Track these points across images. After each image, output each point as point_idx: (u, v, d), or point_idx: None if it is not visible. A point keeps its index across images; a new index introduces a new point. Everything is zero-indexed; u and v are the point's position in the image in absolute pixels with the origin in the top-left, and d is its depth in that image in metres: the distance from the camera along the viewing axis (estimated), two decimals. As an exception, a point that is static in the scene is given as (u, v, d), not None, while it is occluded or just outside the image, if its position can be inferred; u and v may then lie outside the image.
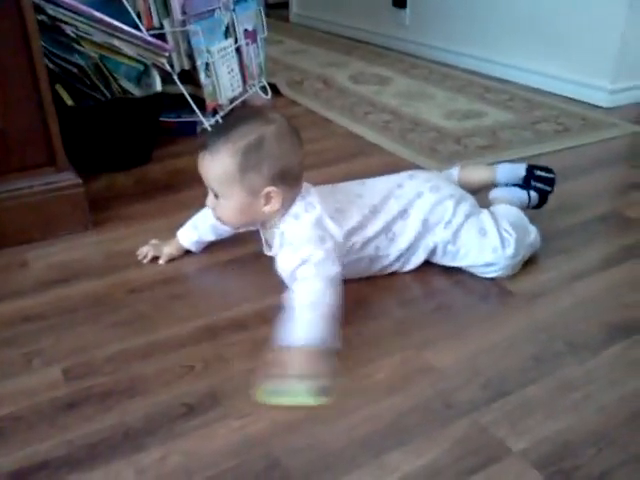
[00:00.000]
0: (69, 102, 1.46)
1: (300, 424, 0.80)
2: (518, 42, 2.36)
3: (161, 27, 1.71)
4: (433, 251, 1.10)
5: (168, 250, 1.17)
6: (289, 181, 0.98)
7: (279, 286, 1.01)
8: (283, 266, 1.00)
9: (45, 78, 1.18)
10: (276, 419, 0.80)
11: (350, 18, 3.26)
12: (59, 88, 1.45)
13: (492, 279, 1.09)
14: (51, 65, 1.42)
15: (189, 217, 1.17)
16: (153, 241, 1.20)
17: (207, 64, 1.77)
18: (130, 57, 1.55)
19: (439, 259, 1.11)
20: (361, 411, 0.82)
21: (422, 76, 2.49)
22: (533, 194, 1.22)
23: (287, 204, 0.99)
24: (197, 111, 1.76)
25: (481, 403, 0.82)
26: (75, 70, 1.46)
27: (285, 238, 0.99)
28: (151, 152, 1.67)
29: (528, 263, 1.13)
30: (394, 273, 1.11)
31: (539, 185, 1.22)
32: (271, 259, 1.05)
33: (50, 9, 1.42)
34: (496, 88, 2.30)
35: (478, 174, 1.27)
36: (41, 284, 1.11)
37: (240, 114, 1.10)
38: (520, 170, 1.23)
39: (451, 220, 1.07)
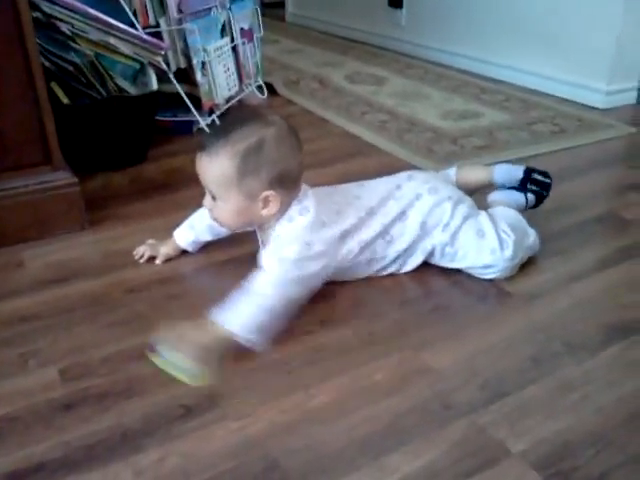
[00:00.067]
0: (65, 100, 1.45)
1: (298, 425, 0.79)
2: (514, 43, 2.37)
3: (157, 25, 1.71)
4: (431, 253, 1.10)
5: (165, 250, 1.17)
6: (287, 184, 0.98)
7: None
8: (263, 261, 0.97)
9: (41, 76, 1.17)
10: (274, 420, 0.80)
11: (346, 18, 3.26)
12: (54, 86, 1.44)
13: (490, 280, 1.09)
14: (47, 63, 1.41)
15: (186, 217, 1.17)
16: (150, 241, 1.20)
17: (203, 63, 1.76)
18: (126, 55, 1.54)
19: (437, 260, 1.11)
20: (359, 412, 0.82)
21: (418, 76, 2.49)
22: (530, 196, 1.22)
23: (285, 207, 0.99)
24: (193, 110, 1.75)
25: (479, 404, 0.82)
26: (71, 68, 1.45)
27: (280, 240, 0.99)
28: (147, 151, 1.66)
29: (526, 264, 1.13)
30: (392, 274, 1.11)
31: (535, 188, 1.22)
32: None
33: (46, 6, 1.41)
34: (492, 89, 2.31)
35: (475, 174, 1.27)
36: (37, 284, 1.10)
37: (239, 115, 1.10)
38: (518, 172, 1.23)
39: (449, 222, 1.07)
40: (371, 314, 1.02)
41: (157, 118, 1.71)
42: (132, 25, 1.61)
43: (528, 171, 1.23)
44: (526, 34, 2.31)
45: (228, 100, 1.93)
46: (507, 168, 1.25)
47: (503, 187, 1.25)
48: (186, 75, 1.79)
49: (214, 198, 0.99)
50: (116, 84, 1.51)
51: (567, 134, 1.85)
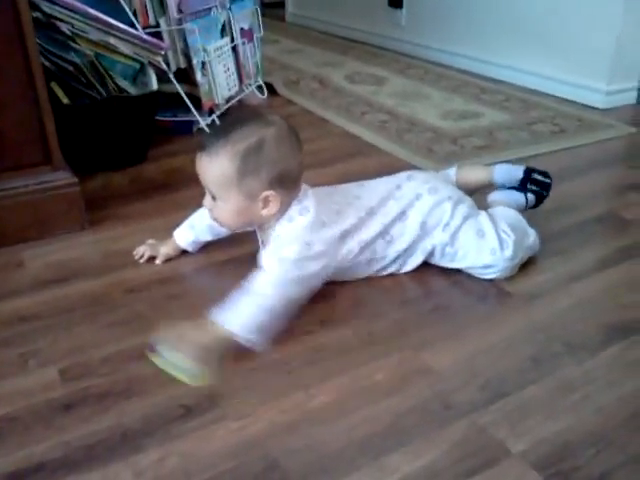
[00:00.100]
0: (65, 100, 1.45)
1: (298, 425, 0.79)
2: (514, 43, 2.37)
3: (157, 25, 1.71)
4: (431, 253, 1.10)
5: (165, 250, 1.17)
6: (287, 185, 0.98)
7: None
8: (263, 261, 0.97)
9: (41, 76, 1.17)
10: (274, 420, 0.80)
11: (346, 18, 3.26)
12: (54, 86, 1.44)
13: (490, 280, 1.09)
14: (47, 63, 1.41)
15: (186, 217, 1.17)
16: (150, 241, 1.19)
17: (203, 63, 1.76)
18: (126, 55, 1.54)
19: (437, 260, 1.11)
20: (359, 412, 0.81)
21: (418, 76, 2.49)
22: (530, 196, 1.22)
23: (285, 207, 0.99)
24: (193, 110, 1.75)
25: (480, 404, 0.82)
26: (71, 68, 1.45)
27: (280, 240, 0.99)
28: (147, 151, 1.66)
29: (525, 264, 1.13)
30: (392, 274, 1.11)
31: (535, 188, 1.22)
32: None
33: (46, 6, 1.41)
34: (491, 89, 2.31)
35: (475, 174, 1.27)
36: (37, 284, 1.10)
37: (239, 115, 1.10)
38: (518, 172, 1.23)
39: (449, 222, 1.07)
40: (371, 314, 1.02)
41: (157, 118, 1.71)
42: (132, 25, 1.61)
43: (528, 171, 1.23)
44: (526, 34, 2.31)
45: (228, 100, 1.93)
46: (507, 168, 1.25)
47: (503, 187, 1.25)
48: (186, 75, 1.79)
49: (214, 198, 0.99)
50: (116, 84, 1.51)
51: (567, 134, 1.85)
